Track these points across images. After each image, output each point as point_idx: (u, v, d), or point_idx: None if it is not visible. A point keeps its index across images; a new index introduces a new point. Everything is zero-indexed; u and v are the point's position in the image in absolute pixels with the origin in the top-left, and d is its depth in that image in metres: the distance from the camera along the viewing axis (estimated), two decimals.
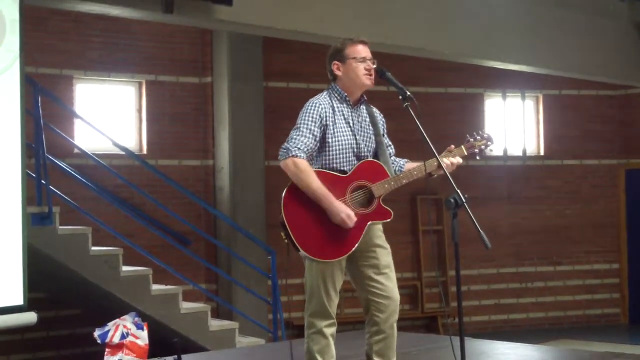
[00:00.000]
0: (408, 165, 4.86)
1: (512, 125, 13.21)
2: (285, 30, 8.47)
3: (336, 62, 4.76)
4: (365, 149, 4.74)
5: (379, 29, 8.66)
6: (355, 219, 4.56)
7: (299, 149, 4.54)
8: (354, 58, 4.72)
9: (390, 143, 4.94)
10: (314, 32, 8.50)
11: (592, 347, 10.67)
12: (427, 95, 12.16)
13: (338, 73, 4.76)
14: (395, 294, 4.71)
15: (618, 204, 13.59)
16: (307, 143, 4.58)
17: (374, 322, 4.69)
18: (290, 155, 4.53)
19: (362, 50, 4.76)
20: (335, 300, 4.66)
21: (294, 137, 4.60)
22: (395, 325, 4.72)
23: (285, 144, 4.59)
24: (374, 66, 4.75)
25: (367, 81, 4.73)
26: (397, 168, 4.85)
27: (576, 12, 10.67)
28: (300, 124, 4.63)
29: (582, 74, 11.54)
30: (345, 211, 4.53)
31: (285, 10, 8.20)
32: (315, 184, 4.53)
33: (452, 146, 4.87)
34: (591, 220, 13.43)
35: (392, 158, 4.91)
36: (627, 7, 11.37)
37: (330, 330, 4.64)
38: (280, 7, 8.15)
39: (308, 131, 4.59)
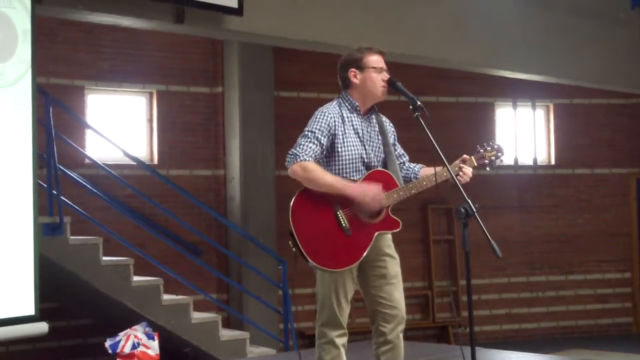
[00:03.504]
0: (423, 171, 4.83)
1: (523, 135, 13.19)
2: (296, 40, 8.48)
3: (354, 69, 4.73)
4: (375, 159, 4.73)
5: (389, 38, 8.67)
6: (383, 196, 4.55)
7: (306, 154, 4.53)
8: (374, 68, 4.71)
9: (403, 152, 4.93)
10: (324, 41, 8.51)
11: (604, 357, 10.66)
12: (438, 105, 12.16)
13: (355, 81, 4.73)
14: (402, 304, 4.70)
15: (629, 213, 13.54)
16: (314, 149, 4.56)
17: (381, 332, 4.68)
18: (298, 160, 4.52)
19: (380, 61, 4.75)
20: (347, 309, 4.65)
21: (301, 143, 4.59)
22: (401, 335, 4.71)
23: (292, 149, 4.58)
24: (388, 77, 4.74)
25: (382, 94, 4.73)
26: (412, 175, 4.84)
27: (586, 20, 10.66)
28: (308, 131, 4.62)
29: (593, 83, 11.52)
30: (371, 194, 4.51)
31: (296, 20, 8.21)
32: (330, 178, 4.52)
33: (466, 156, 4.84)
34: (602, 229, 13.39)
35: (406, 165, 4.91)
36: (637, 15, 11.35)
37: (341, 340, 4.63)
38: (290, 17, 8.16)
39: (315, 138, 4.58)
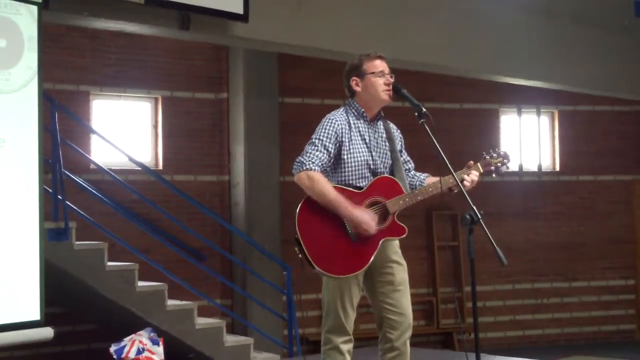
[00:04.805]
0: (428, 180, 4.84)
1: (528, 141, 13.19)
2: (301, 47, 8.49)
3: (355, 78, 4.77)
4: (382, 165, 4.74)
5: (394, 44, 8.67)
6: (375, 226, 4.55)
7: (313, 162, 4.54)
8: (373, 73, 4.73)
9: (408, 158, 4.94)
10: (329, 48, 8.52)
11: None
12: (443, 111, 12.16)
13: (357, 89, 4.76)
14: (409, 311, 4.70)
15: (634, 220, 13.52)
16: (322, 158, 4.58)
17: (387, 339, 4.68)
18: (305, 168, 4.53)
19: (380, 65, 4.76)
20: (352, 316, 4.65)
21: (309, 151, 4.60)
22: (408, 342, 4.71)
23: (300, 157, 4.59)
24: (392, 80, 4.76)
25: (386, 97, 4.73)
26: (417, 183, 4.85)
27: (591, 27, 10.66)
28: (315, 139, 4.64)
29: (597, 90, 11.51)
30: (364, 221, 4.51)
31: (301, 27, 8.23)
32: (332, 194, 4.52)
33: (472, 162, 4.86)
34: (607, 236, 13.37)
35: (412, 173, 4.91)
36: None
37: (347, 347, 4.63)
38: (295, 23, 8.18)
39: (322, 146, 4.59)
